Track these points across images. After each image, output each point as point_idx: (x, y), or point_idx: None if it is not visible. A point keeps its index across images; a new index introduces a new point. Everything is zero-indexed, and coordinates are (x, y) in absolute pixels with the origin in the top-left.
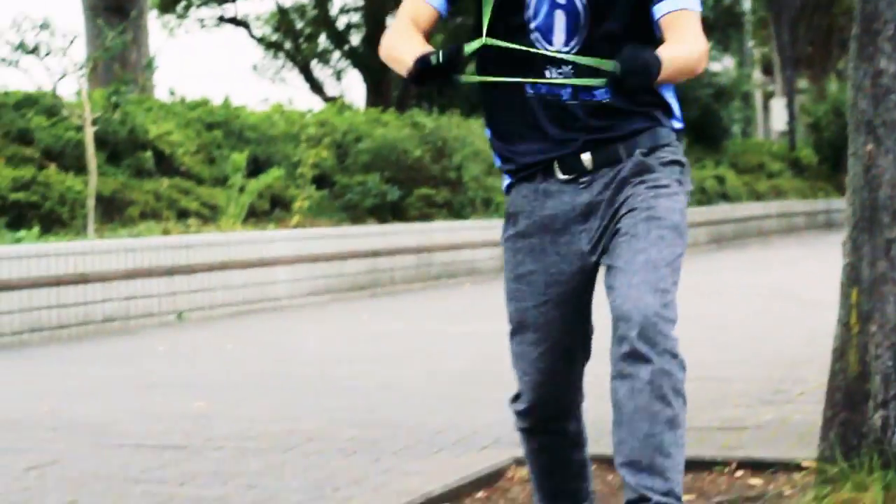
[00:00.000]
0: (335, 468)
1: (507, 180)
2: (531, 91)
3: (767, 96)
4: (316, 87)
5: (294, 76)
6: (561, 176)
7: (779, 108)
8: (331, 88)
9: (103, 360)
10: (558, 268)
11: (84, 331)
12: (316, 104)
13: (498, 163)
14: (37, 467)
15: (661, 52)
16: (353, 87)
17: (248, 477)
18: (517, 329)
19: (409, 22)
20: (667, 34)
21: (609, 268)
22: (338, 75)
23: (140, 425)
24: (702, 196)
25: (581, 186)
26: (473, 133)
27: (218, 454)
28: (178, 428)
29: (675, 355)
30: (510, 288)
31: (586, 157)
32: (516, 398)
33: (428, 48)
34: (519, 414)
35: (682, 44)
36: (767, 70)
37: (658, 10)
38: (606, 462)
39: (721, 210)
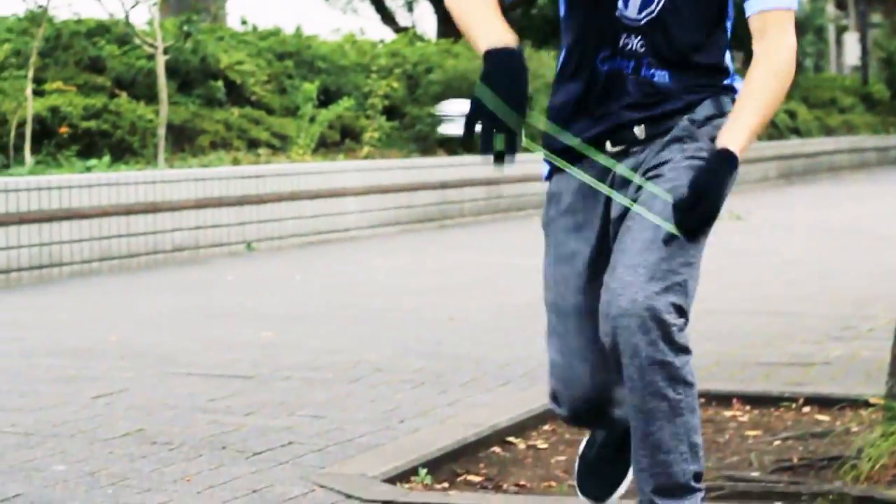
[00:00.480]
0: (402, 400)
1: (547, 167)
2: (602, 65)
3: (840, 30)
4: (387, 17)
5: (366, 7)
6: (611, 148)
7: (852, 42)
8: (402, 19)
9: (172, 290)
10: (601, 242)
11: (153, 260)
12: (387, 35)
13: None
14: (105, 395)
15: (744, 121)
16: (425, 17)
17: (314, 408)
18: (557, 317)
19: None
20: (755, 37)
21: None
22: (409, 6)
23: (208, 355)
24: (773, 130)
25: (630, 155)
26: (545, 65)
27: (285, 384)
28: (245, 358)
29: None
30: (550, 273)
31: (639, 129)
32: (554, 397)
33: (502, 32)
34: (562, 417)
35: (769, 77)
36: (841, 4)
37: (749, 7)
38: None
39: (792, 145)
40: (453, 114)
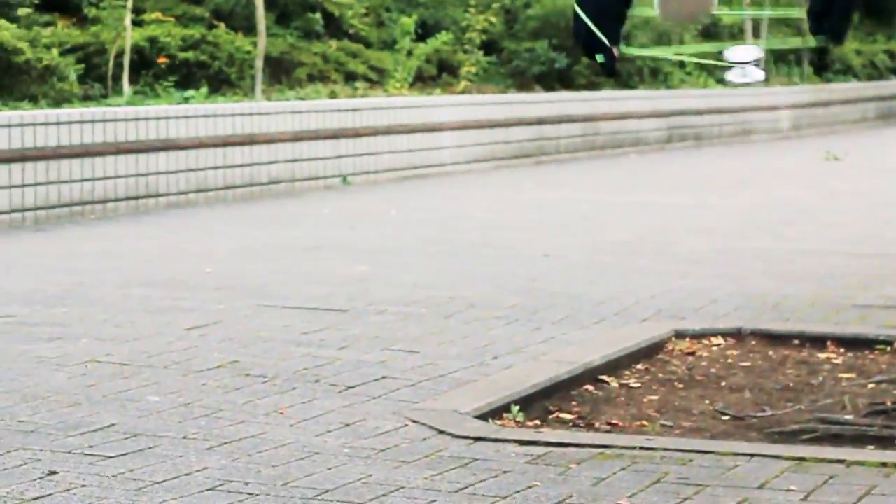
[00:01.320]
0: (495, 336)
1: None
2: None
3: None
4: None
5: None
6: None
7: None
8: None
9: (268, 222)
10: None
11: (249, 192)
12: None
13: None
14: (200, 327)
15: None
16: None
17: (408, 342)
18: None
19: None
20: None
21: None
22: None
23: (302, 288)
24: (872, 71)
25: None
26: (644, 1)
27: (379, 318)
28: (340, 291)
29: None
30: None
31: None
32: None
33: None
34: None
35: None
36: None
37: None
38: (767, 337)
39: (892, 85)
40: (742, 60)
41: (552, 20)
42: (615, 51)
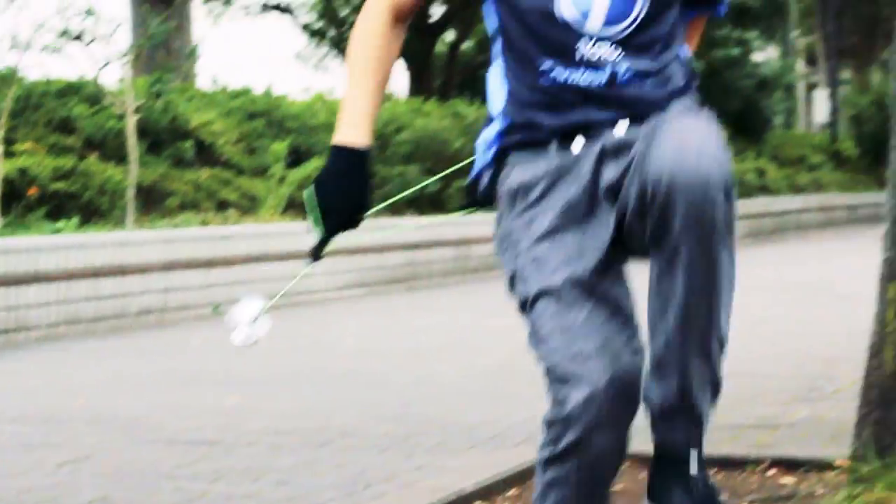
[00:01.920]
0: (368, 464)
1: (491, 150)
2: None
3: (810, 87)
4: None
5: (337, 65)
6: (578, 150)
7: (821, 99)
8: None
9: (139, 354)
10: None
11: (121, 323)
12: None
13: (497, 129)
14: (70, 462)
15: None
16: (396, 76)
17: (280, 473)
18: (549, 300)
19: (389, 18)
20: (690, 35)
21: None
22: None
23: (173, 420)
24: (741, 189)
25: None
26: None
27: (251, 450)
28: (211, 423)
29: None
30: (530, 257)
31: (620, 127)
32: (561, 403)
33: (361, 122)
34: (570, 418)
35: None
36: (811, 60)
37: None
38: (639, 459)
39: (760, 203)
40: (238, 321)
41: (424, 144)
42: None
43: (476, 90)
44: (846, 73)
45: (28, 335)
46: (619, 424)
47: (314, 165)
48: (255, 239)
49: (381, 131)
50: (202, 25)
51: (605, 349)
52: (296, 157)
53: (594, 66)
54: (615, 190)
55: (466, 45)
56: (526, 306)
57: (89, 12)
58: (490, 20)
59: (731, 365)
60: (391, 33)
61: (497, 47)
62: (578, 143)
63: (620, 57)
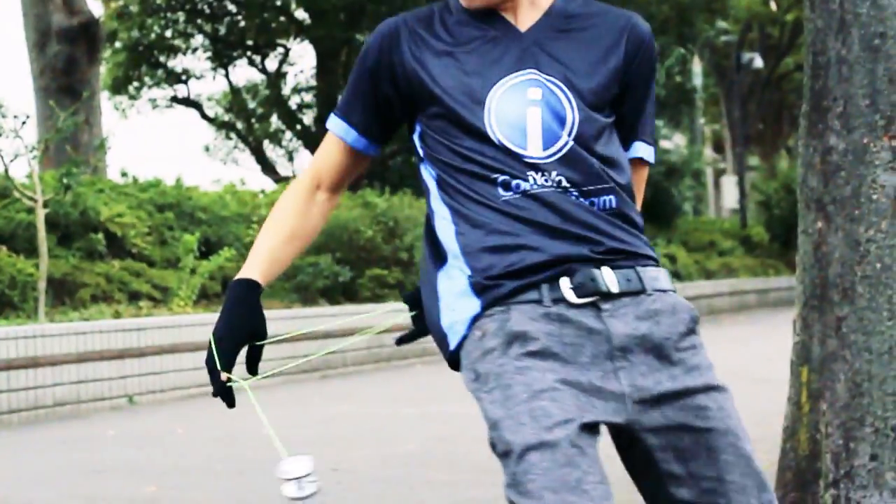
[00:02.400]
0: None
1: (475, 307)
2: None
3: (718, 173)
4: (268, 167)
5: (246, 157)
6: (574, 299)
7: (730, 185)
8: (283, 168)
9: (54, 446)
10: (596, 377)
11: (35, 415)
12: (268, 185)
13: (468, 288)
14: None
15: None
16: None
17: None
18: (544, 453)
19: (306, 185)
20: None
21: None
22: (290, 155)
23: None
24: None
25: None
26: (424, 215)
27: None
28: None
29: None
30: (526, 409)
31: (608, 275)
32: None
33: (258, 264)
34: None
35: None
36: (718, 147)
37: (635, 150)
38: None
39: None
40: (295, 475)
41: (335, 234)
42: (223, 376)
43: (385, 179)
44: (753, 160)
45: None
46: None
47: (225, 256)
48: (167, 330)
49: None
50: (110, 119)
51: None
52: (207, 248)
53: (544, 177)
54: (625, 350)
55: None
56: (511, 454)
57: None
58: (427, 175)
59: None
60: (306, 206)
61: (438, 200)
62: (565, 285)
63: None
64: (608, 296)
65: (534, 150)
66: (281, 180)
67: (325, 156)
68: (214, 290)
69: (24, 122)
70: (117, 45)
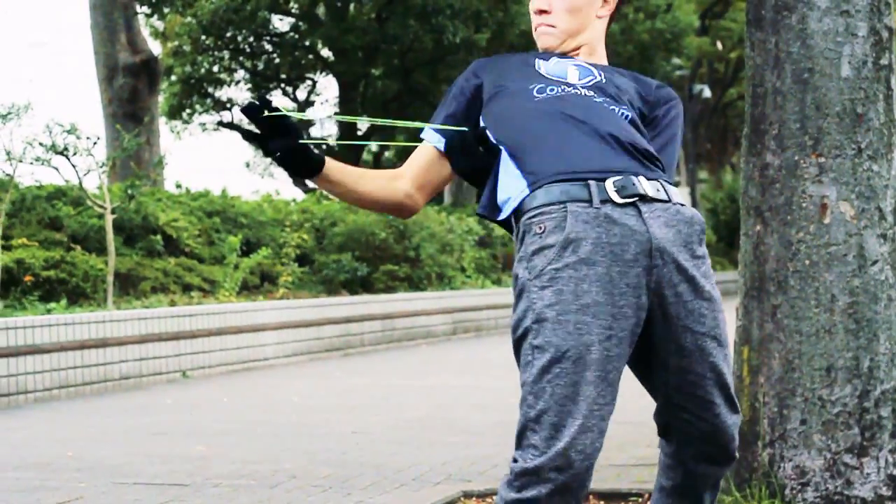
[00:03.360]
0: (313, 502)
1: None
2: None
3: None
4: (298, 180)
5: (280, 171)
6: (618, 199)
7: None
8: (311, 182)
9: (120, 412)
10: (627, 300)
11: (104, 387)
12: (298, 195)
13: (525, 187)
14: (64, 503)
15: None
16: None
17: None
18: (573, 367)
19: (400, 170)
20: None
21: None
22: None
23: (149, 466)
24: None
25: (645, 215)
26: (430, 218)
27: (215, 490)
28: (181, 469)
29: None
30: (569, 320)
31: (644, 182)
32: (530, 454)
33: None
34: (540, 471)
35: None
36: None
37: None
38: None
39: None
40: None
41: (355, 236)
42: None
43: None
44: (703, 174)
45: (26, 398)
46: (577, 494)
47: (263, 254)
48: (214, 316)
49: (320, 225)
50: (167, 140)
51: (590, 430)
52: (247, 248)
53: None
54: (661, 250)
55: (388, 154)
56: (545, 350)
57: (71, 130)
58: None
59: (620, 415)
60: (388, 181)
61: (504, 156)
62: (611, 186)
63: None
64: (644, 199)
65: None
66: (309, 191)
67: (413, 158)
68: (254, 283)
69: (95, 143)
70: (173, 78)
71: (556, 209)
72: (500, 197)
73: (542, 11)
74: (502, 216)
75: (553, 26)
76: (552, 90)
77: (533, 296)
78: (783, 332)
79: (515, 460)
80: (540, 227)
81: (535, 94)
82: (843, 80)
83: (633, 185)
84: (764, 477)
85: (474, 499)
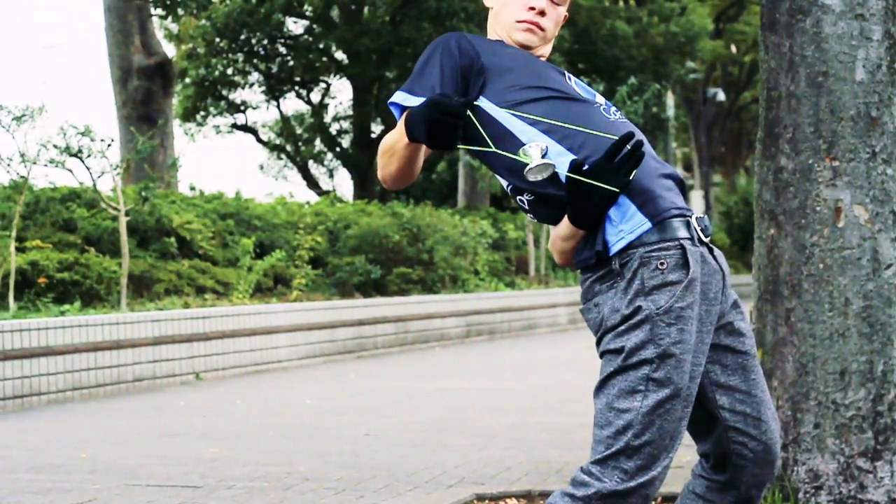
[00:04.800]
0: None
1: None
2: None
3: (688, 189)
4: (312, 183)
5: (294, 174)
6: (704, 238)
7: (696, 198)
8: (324, 184)
9: (133, 414)
10: (709, 337)
11: (117, 389)
12: (312, 197)
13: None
14: None
15: None
16: (343, 182)
17: None
18: (682, 406)
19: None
20: None
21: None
22: (330, 173)
23: (163, 468)
24: None
25: (715, 252)
26: (443, 221)
27: (228, 492)
28: (195, 471)
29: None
30: (687, 360)
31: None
32: (618, 477)
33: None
34: (627, 495)
35: None
36: (688, 167)
37: None
38: None
39: None
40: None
41: (368, 238)
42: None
43: (410, 193)
44: (717, 177)
45: (39, 399)
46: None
47: (276, 257)
48: (228, 318)
49: (333, 228)
50: (181, 142)
51: (668, 470)
52: (261, 250)
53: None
54: (726, 285)
55: None
56: (666, 386)
57: (86, 132)
58: None
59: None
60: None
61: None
62: (696, 224)
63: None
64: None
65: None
66: (323, 194)
67: None
68: (267, 285)
69: (109, 145)
70: (187, 80)
71: (673, 246)
72: (610, 232)
73: (541, 12)
74: (613, 247)
75: (543, 29)
76: (606, 110)
77: (660, 330)
78: (797, 336)
79: (598, 479)
80: (662, 263)
81: (605, 114)
82: (858, 84)
83: (706, 223)
84: (777, 481)
85: (487, 502)
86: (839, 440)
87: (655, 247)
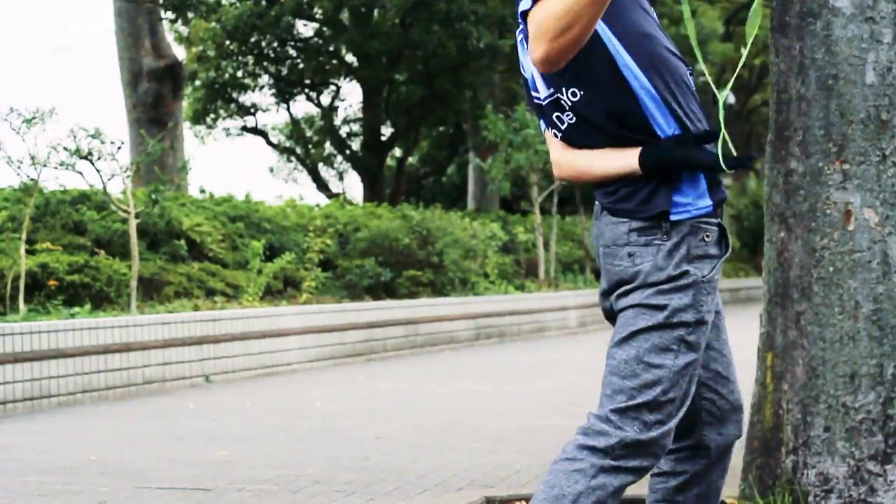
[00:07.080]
0: None
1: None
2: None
3: None
4: (322, 185)
5: (304, 176)
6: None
7: None
8: (334, 187)
9: (143, 417)
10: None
11: (127, 392)
12: (322, 200)
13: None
14: None
15: None
16: (353, 185)
17: None
18: (697, 367)
19: None
20: None
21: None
22: (340, 176)
23: (173, 471)
24: None
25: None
26: (453, 224)
27: (238, 495)
28: (204, 473)
29: None
30: (703, 329)
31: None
32: (637, 427)
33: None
34: (650, 445)
35: None
36: None
37: None
38: None
39: None
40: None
41: (378, 241)
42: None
43: (420, 196)
44: (727, 180)
45: (50, 402)
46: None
47: (286, 259)
48: (238, 320)
49: (343, 230)
50: (191, 145)
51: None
52: (271, 253)
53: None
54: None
55: (411, 159)
56: (693, 348)
57: (96, 135)
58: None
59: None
60: None
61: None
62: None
63: None
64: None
65: None
66: (333, 196)
67: None
68: (277, 288)
69: (119, 148)
70: (197, 83)
71: (715, 223)
72: (679, 200)
73: None
74: (676, 216)
75: None
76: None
77: (702, 297)
78: (807, 339)
79: (618, 427)
80: (707, 236)
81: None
82: (868, 87)
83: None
84: (787, 484)
85: None
86: (849, 443)
87: (704, 220)
